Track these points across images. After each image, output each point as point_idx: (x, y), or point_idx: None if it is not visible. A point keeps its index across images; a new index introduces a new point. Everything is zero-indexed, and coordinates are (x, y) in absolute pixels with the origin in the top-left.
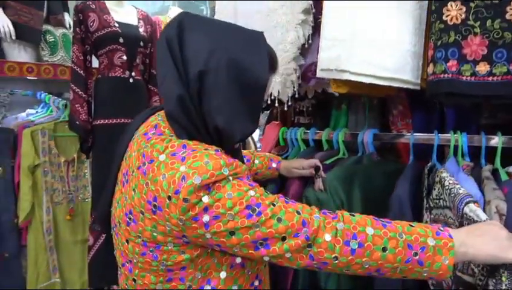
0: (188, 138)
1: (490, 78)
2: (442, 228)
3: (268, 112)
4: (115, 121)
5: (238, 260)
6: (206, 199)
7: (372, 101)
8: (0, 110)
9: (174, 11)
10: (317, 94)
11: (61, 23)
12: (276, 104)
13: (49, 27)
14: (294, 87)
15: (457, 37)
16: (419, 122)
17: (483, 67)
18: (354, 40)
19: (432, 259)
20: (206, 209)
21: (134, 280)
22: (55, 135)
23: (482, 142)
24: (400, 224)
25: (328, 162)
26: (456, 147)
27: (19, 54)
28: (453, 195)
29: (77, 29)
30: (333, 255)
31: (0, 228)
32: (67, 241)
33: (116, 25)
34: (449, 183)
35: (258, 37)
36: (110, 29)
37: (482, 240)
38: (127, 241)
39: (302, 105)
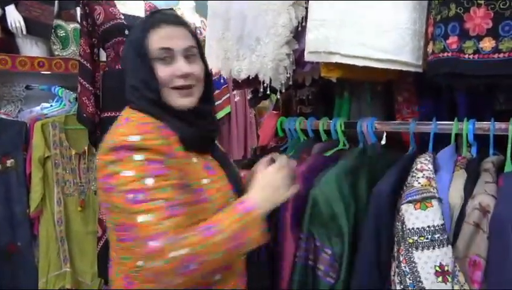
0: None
1: (496, 55)
2: (242, 203)
3: (274, 102)
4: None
5: None
6: (111, 167)
7: (376, 87)
8: (16, 104)
9: (184, 2)
10: (318, 81)
11: (73, 18)
12: (268, 92)
13: (61, 22)
14: (287, 73)
15: (458, 10)
16: (427, 109)
17: (487, 43)
18: (344, 20)
19: (248, 237)
20: (108, 176)
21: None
22: (66, 128)
23: (490, 130)
24: (217, 225)
25: (328, 153)
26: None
27: (32, 49)
28: (408, 185)
29: (84, 22)
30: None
31: (12, 219)
32: (78, 232)
33: (122, 17)
34: (415, 170)
35: None
36: (116, 21)
37: (269, 194)
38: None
39: (302, 93)
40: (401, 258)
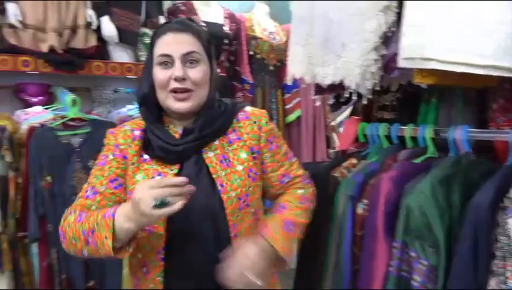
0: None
1: None
2: (112, 209)
3: (351, 107)
4: None
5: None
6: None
7: (468, 94)
8: (106, 106)
9: (260, 8)
10: (403, 87)
11: (156, 26)
12: (355, 98)
13: (146, 30)
14: (374, 79)
15: None
16: None
17: None
18: (441, 24)
19: (99, 238)
20: None
21: None
22: None
23: None
24: (90, 216)
25: (418, 160)
26: None
27: (121, 55)
28: None
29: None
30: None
31: None
32: None
33: (203, 24)
34: None
35: None
36: None
37: (132, 209)
38: None
39: (386, 99)
40: (508, 274)
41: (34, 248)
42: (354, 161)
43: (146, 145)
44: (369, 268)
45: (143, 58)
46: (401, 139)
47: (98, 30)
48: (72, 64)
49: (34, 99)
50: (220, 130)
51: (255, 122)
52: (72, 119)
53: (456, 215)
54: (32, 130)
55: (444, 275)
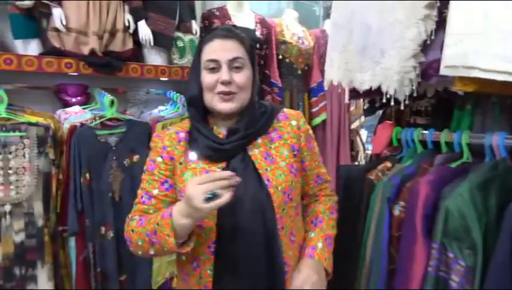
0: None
1: None
2: (169, 209)
3: (381, 111)
4: None
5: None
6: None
7: (505, 101)
8: (139, 106)
9: (289, 13)
10: (437, 93)
11: (189, 30)
12: (392, 103)
13: (179, 34)
14: (412, 85)
15: None
16: None
17: None
18: (485, 34)
19: (162, 238)
20: None
21: None
22: None
23: None
24: (149, 219)
25: (453, 165)
26: None
27: (155, 58)
28: None
29: (203, 34)
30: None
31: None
32: None
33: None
34: None
35: None
36: None
37: (186, 206)
38: None
39: (420, 104)
40: None
41: (72, 242)
42: (388, 164)
43: (192, 145)
44: (407, 268)
45: (176, 61)
46: (435, 144)
47: (134, 33)
48: (111, 66)
49: (73, 100)
50: (262, 129)
51: (294, 122)
52: (109, 119)
53: (492, 219)
54: (73, 129)
55: (481, 277)
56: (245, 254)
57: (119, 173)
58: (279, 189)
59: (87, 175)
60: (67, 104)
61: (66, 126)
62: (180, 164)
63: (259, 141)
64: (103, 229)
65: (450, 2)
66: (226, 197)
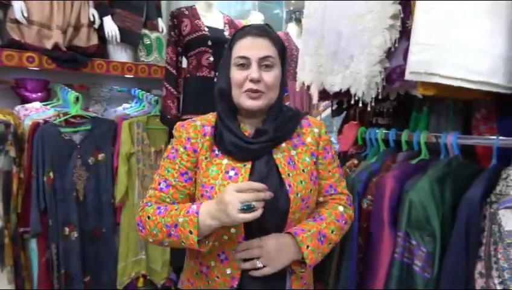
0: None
1: None
2: (195, 204)
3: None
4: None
5: None
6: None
7: (457, 104)
8: (102, 104)
9: (255, 15)
10: (398, 96)
11: (155, 28)
12: (360, 105)
13: (146, 31)
14: (378, 88)
15: None
16: (508, 126)
17: None
18: (445, 44)
19: (182, 233)
20: None
21: None
22: (147, 127)
23: None
24: (170, 210)
25: (413, 162)
26: None
27: (121, 55)
28: (504, 193)
29: (172, 33)
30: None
31: (100, 206)
32: None
33: (206, 29)
34: (509, 180)
35: None
36: (200, 33)
37: (216, 208)
38: None
39: (383, 106)
40: (499, 256)
41: (33, 243)
42: (355, 161)
43: (217, 141)
44: (376, 255)
45: (142, 59)
46: (396, 142)
47: (99, 29)
48: (76, 61)
49: (33, 96)
50: (289, 133)
51: (316, 129)
52: (74, 117)
53: (448, 209)
54: (35, 126)
55: (439, 260)
56: None
57: (83, 171)
58: (299, 196)
59: (51, 174)
60: (26, 100)
61: (27, 123)
62: (206, 158)
63: (284, 145)
64: (67, 229)
65: (415, 14)
66: (258, 212)
